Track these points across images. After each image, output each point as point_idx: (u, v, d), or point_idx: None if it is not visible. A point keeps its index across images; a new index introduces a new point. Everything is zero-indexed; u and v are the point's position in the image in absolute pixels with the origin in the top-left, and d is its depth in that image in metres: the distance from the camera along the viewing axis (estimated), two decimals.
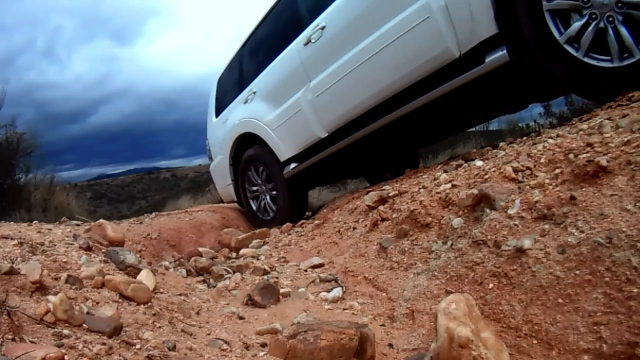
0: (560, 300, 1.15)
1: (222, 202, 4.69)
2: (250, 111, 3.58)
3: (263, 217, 3.75)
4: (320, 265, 2.11)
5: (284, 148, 3.29)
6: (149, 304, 1.36)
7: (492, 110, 3.10)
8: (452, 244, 1.56)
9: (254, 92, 3.56)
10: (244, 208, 4.04)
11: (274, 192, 3.59)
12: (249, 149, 3.71)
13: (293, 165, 3.26)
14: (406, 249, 1.74)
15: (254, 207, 3.85)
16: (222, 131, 4.03)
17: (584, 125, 1.59)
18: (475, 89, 2.25)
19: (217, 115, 4.26)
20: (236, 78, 4.00)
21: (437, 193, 1.79)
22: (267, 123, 3.39)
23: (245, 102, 3.67)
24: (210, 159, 4.42)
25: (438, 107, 2.43)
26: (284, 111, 3.22)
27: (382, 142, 2.99)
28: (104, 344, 1.01)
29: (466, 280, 1.42)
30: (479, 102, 2.66)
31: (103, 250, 1.75)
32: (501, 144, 2.09)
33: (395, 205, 2.02)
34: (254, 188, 3.81)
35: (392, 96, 2.50)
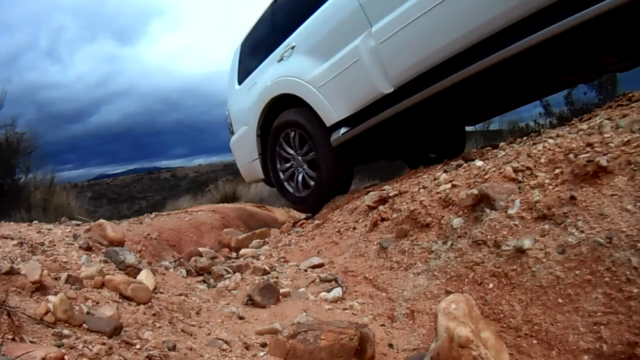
0: (560, 300, 1.15)
1: (222, 202, 4.65)
2: (288, 69, 3.11)
3: (298, 195, 3.29)
4: (320, 265, 2.11)
5: (334, 109, 2.80)
6: (149, 304, 1.36)
7: (590, 68, 2.59)
8: (452, 244, 1.56)
9: (293, 47, 3.11)
10: (273, 186, 3.61)
11: (313, 164, 3.11)
12: (282, 113, 3.22)
13: (344, 130, 2.78)
14: (406, 249, 1.74)
15: (287, 185, 3.36)
16: (248, 98, 3.57)
17: (584, 125, 1.59)
18: (590, 32, 1.87)
19: (240, 82, 3.80)
20: (268, 35, 3.54)
21: (437, 193, 1.79)
22: (310, 80, 2.90)
23: (281, 60, 3.21)
24: (232, 132, 3.94)
25: (535, 57, 2.03)
26: (334, 64, 2.75)
27: (453, 103, 2.55)
28: (104, 344, 1.01)
29: (466, 280, 1.42)
30: (588, 50, 2.21)
31: (103, 250, 1.75)
32: (501, 144, 2.10)
33: (395, 205, 2.02)
34: (287, 165, 3.37)
35: (483, 39, 2.07)
